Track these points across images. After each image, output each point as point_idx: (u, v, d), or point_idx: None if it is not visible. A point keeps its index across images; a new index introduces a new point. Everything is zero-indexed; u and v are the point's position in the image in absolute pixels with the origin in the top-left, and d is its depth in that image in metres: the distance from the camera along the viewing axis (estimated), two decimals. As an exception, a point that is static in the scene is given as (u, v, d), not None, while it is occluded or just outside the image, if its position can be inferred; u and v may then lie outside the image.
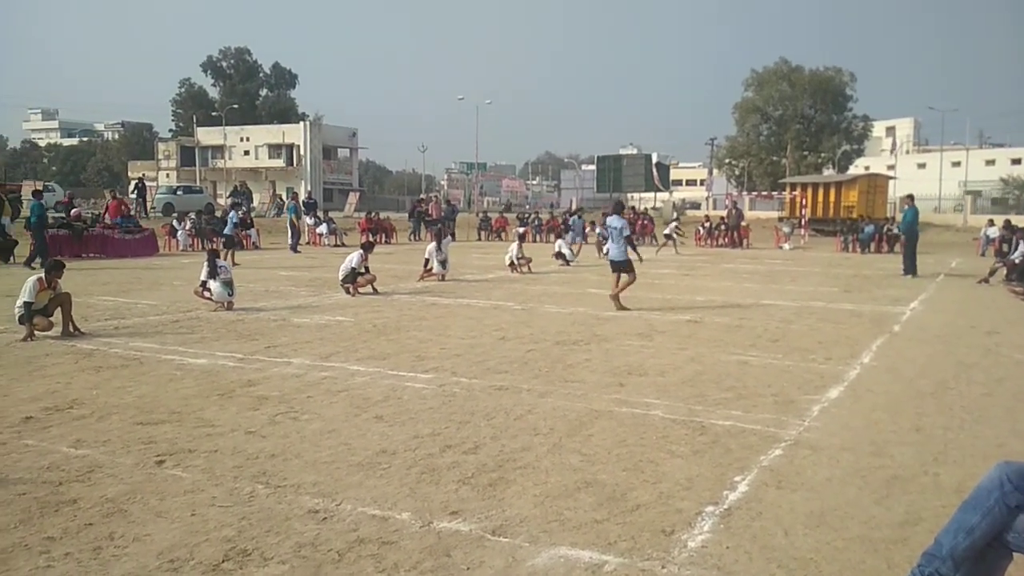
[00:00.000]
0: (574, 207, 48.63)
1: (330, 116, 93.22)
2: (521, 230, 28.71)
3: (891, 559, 3.92)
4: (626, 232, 12.77)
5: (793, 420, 6.35)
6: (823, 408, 6.76)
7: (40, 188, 30.33)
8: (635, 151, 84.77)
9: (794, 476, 5.08)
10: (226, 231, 22.59)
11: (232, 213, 23.37)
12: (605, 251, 24.18)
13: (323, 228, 30.15)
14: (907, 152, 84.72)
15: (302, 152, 71.44)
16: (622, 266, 12.65)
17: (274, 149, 73.31)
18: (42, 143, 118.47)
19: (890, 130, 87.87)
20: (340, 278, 14.34)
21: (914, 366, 8.62)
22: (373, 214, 33.53)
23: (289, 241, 26.30)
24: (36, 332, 9.51)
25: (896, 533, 4.23)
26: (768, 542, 4.09)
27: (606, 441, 5.74)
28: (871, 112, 65.53)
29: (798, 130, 63.20)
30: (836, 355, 9.10)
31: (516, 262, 19.14)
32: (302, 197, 35.92)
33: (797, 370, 8.26)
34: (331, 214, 32.69)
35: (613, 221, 12.93)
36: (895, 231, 27.68)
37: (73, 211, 24.53)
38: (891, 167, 64.52)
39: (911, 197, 20.31)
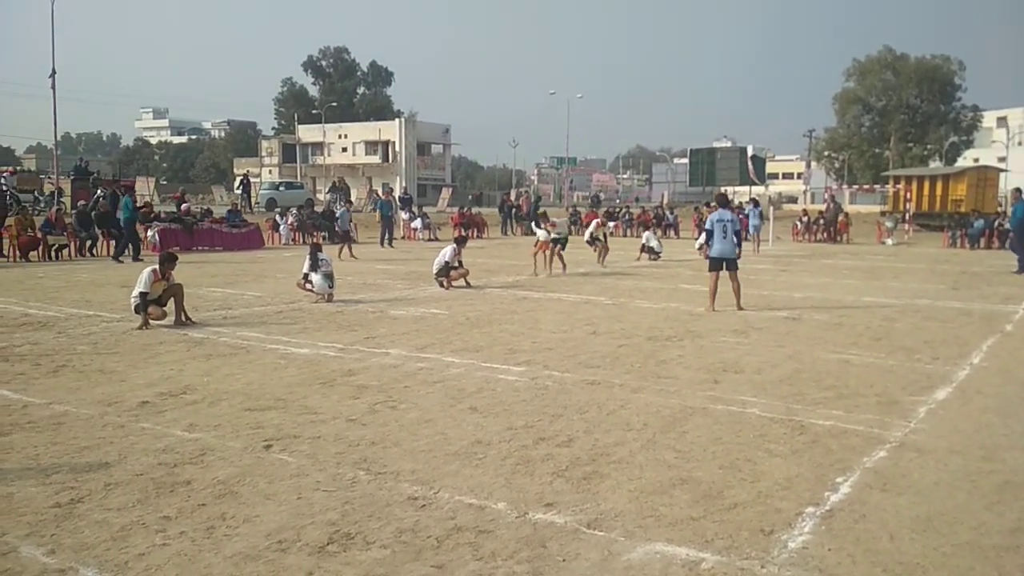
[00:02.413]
0: (666, 200, 48.08)
1: (424, 112, 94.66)
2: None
3: (1002, 567, 3.78)
4: (737, 226, 12.21)
5: (898, 421, 6.15)
6: (930, 410, 6.53)
7: (131, 183, 31.15)
8: (729, 144, 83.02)
9: (899, 479, 4.93)
10: (341, 226, 23.22)
11: (343, 210, 23.90)
12: (699, 246, 24.05)
13: (417, 223, 30.68)
14: (1020, 143, 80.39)
15: (397, 148, 72.79)
16: (734, 264, 12.01)
17: (371, 146, 74.93)
18: (153, 140, 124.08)
19: (1001, 120, 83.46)
20: (434, 272, 14.58)
21: (1029, 368, 8.22)
22: (466, 209, 33.91)
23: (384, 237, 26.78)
24: (150, 321, 10.00)
25: (1008, 540, 4.07)
26: (872, 546, 3.99)
27: (701, 438, 5.69)
28: (981, 102, 63.07)
29: (902, 121, 61.01)
30: (943, 355, 8.76)
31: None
32: (397, 193, 36.50)
33: (901, 370, 7.99)
34: (425, 209, 33.23)
35: (725, 214, 12.11)
36: (1006, 226, 26.45)
37: (183, 206, 25.64)
38: (1002, 159, 61.39)
39: (1019, 191, 19.50)
